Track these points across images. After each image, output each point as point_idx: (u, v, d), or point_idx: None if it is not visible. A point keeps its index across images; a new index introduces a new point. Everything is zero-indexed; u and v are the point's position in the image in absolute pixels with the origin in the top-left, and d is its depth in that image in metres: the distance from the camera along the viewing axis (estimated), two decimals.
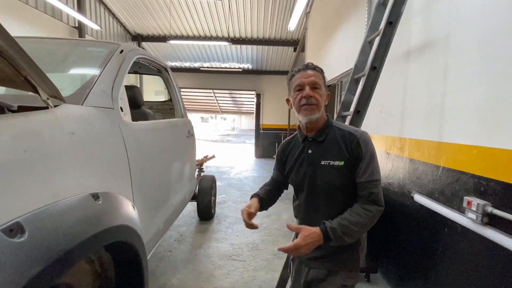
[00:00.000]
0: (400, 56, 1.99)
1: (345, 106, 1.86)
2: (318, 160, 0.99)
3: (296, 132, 1.10)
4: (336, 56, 3.61)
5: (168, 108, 2.59)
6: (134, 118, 1.47)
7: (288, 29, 5.14)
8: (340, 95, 3.91)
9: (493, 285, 1.12)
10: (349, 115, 1.68)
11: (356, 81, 1.83)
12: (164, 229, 1.58)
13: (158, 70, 2.07)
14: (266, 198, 1.21)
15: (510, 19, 1.13)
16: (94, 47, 1.31)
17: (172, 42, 6.20)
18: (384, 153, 2.23)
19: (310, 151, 1.01)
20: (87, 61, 1.23)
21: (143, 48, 7.50)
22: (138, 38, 6.75)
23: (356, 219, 0.89)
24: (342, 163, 0.95)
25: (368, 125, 2.38)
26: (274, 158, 8.01)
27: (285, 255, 2.02)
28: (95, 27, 5.23)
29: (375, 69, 1.57)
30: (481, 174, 1.19)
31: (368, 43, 1.79)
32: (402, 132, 1.89)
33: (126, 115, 1.14)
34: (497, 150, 1.13)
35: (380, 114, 2.27)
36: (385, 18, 1.58)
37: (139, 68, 2.27)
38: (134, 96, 1.81)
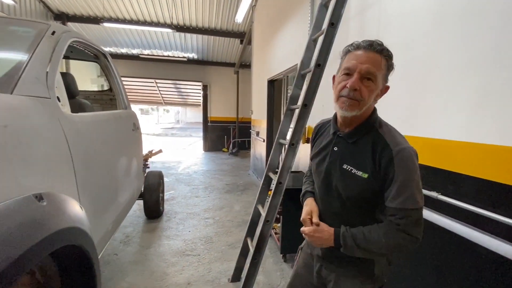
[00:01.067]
0: (340, 54, 2.21)
1: (293, 100, 1.99)
2: (341, 162, 0.84)
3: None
4: (282, 52, 3.77)
5: (108, 99, 2.33)
6: (71, 110, 1.30)
7: (236, 21, 5.12)
8: (286, 90, 4.13)
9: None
10: (297, 108, 1.81)
11: (303, 77, 1.97)
12: (113, 230, 1.46)
13: (96, 56, 1.85)
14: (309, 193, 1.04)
15: (423, 30, 1.38)
16: (17, 26, 1.09)
17: (106, 25, 5.51)
18: None
19: (336, 149, 0.87)
20: (10, 42, 1.02)
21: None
22: (63, 17, 5.78)
23: (376, 238, 0.77)
24: (365, 175, 0.78)
25: (313, 118, 2.60)
26: (223, 151, 7.97)
27: (240, 244, 2.09)
28: (8, 1, 4.30)
29: (320, 66, 1.72)
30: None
31: (312, 41, 1.94)
32: None
33: (65, 105, 1.01)
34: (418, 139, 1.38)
35: (323, 108, 2.50)
36: (327, 19, 1.73)
37: (71, 52, 1.98)
38: (67, 84, 1.59)
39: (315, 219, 0.89)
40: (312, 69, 1.74)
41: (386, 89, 0.82)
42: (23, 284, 0.78)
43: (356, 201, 0.82)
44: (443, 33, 1.27)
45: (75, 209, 0.81)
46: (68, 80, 1.59)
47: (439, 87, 1.29)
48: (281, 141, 1.98)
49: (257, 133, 5.35)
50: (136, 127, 2.04)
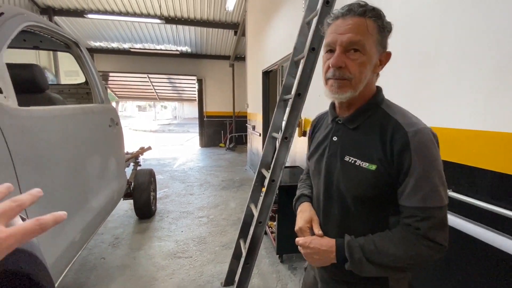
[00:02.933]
0: None
1: (287, 89, 1.82)
2: (342, 153, 0.68)
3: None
4: (276, 41, 3.59)
5: (85, 93, 2.16)
6: (32, 104, 1.14)
7: (226, 9, 4.90)
8: (281, 81, 3.95)
9: None
10: (291, 98, 1.65)
11: (296, 64, 1.80)
12: (84, 239, 1.31)
13: (67, 45, 1.67)
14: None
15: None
16: None
17: (91, 16, 5.27)
18: None
19: (335, 138, 0.71)
20: None
21: (57, 24, 6.24)
22: (49, 11, 5.54)
23: (390, 248, 0.60)
24: (373, 167, 0.62)
25: (309, 109, 2.44)
26: (220, 146, 7.85)
27: (233, 245, 1.96)
28: None
29: (314, 50, 1.55)
30: None
31: (306, 24, 1.77)
32: None
33: (9, 98, 0.84)
34: None
35: (319, 97, 2.34)
36: None
37: (41, 42, 1.80)
38: (33, 77, 1.42)
39: (317, 229, 0.71)
40: (305, 55, 1.57)
41: (387, 56, 0.66)
42: None
43: (363, 202, 0.65)
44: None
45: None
46: (33, 72, 1.42)
47: (447, 67, 1.13)
48: (274, 134, 1.82)
49: (253, 127, 5.19)
50: (114, 123, 1.87)
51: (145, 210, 2.96)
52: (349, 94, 0.64)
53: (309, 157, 0.82)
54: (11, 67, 0.98)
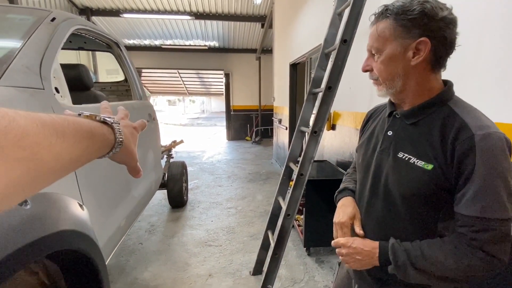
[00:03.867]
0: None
1: (316, 82, 1.80)
2: (396, 149, 0.65)
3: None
4: (305, 32, 3.51)
5: (124, 90, 2.31)
6: (81, 101, 1.26)
7: (254, 3, 4.88)
8: (309, 73, 3.87)
9: None
10: (321, 91, 1.63)
11: (327, 56, 1.76)
12: (127, 225, 1.44)
13: (108, 45, 1.81)
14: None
15: None
16: (16, 14, 1.04)
17: (126, 16, 5.57)
18: (353, 130, 2.26)
19: (390, 133, 0.68)
20: (6, 30, 0.98)
21: (94, 24, 6.69)
22: (87, 12, 5.96)
23: (439, 256, 0.57)
24: (430, 166, 0.58)
25: (340, 102, 2.38)
26: (246, 140, 7.92)
27: (261, 236, 2.01)
28: None
29: (346, 42, 1.50)
30: None
31: (337, 15, 1.71)
32: (370, 108, 1.90)
33: (65, 97, 0.95)
34: None
35: (350, 90, 2.27)
36: None
37: (85, 43, 1.96)
38: (80, 76, 1.56)
39: (359, 228, 0.70)
40: (337, 47, 1.53)
41: (422, 43, 0.58)
42: (29, 283, 0.75)
43: (413, 202, 0.62)
44: None
45: (73, 209, 0.75)
46: (80, 72, 1.56)
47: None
48: (303, 128, 1.81)
49: (280, 121, 5.18)
50: (151, 118, 2.00)
51: (178, 200, 3.13)
52: (383, 91, 0.67)
53: (358, 149, 0.81)
54: (61, 67, 1.09)
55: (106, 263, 0.98)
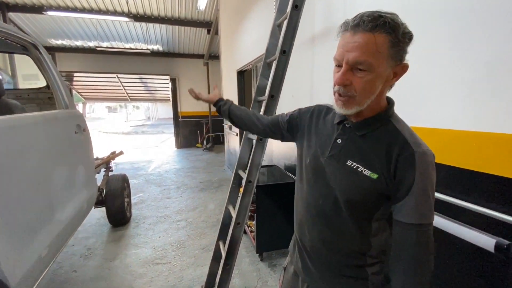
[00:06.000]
0: (307, 40, 2.10)
1: (260, 90, 1.84)
2: (345, 157, 0.69)
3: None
4: (250, 40, 3.60)
5: (46, 98, 2.00)
6: None
7: (198, 9, 4.81)
8: (256, 80, 3.97)
9: None
10: (265, 99, 1.67)
11: (269, 65, 1.83)
12: (52, 254, 1.23)
13: (23, 47, 1.55)
14: (236, 107, 1.06)
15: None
16: None
17: (51, 13, 4.90)
18: None
19: (339, 141, 0.72)
20: None
21: (11, 21, 5.70)
22: (3, 7, 5.03)
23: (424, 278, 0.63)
24: (375, 176, 0.64)
25: (283, 109, 2.49)
26: (197, 147, 7.69)
27: (213, 247, 1.95)
28: None
29: (285, 53, 1.58)
30: None
31: (277, 27, 1.79)
32: None
33: None
34: None
35: (293, 98, 2.39)
36: (291, 1, 1.59)
37: None
38: None
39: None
40: (277, 57, 1.59)
41: (403, 68, 0.63)
42: None
43: (357, 205, 0.68)
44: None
45: None
46: None
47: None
48: (250, 136, 1.83)
49: (230, 127, 5.17)
50: (81, 129, 1.77)
51: (119, 217, 2.84)
52: (354, 110, 0.65)
53: (304, 149, 0.82)
54: None
55: None
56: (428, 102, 1.14)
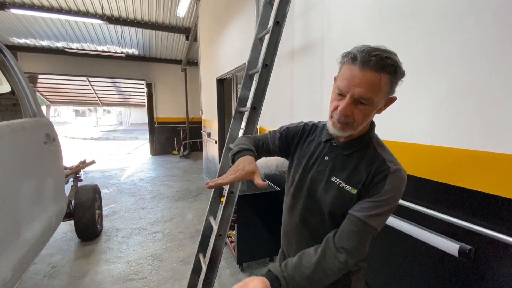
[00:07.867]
0: (287, 54, 2.16)
1: (242, 101, 1.86)
2: (331, 173, 0.76)
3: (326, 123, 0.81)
4: (230, 50, 3.62)
5: (11, 104, 1.84)
6: None
7: (177, 15, 4.76)
8: (236, 89, 3.99)
9: None
10: (247, 111, 1.69)
11: (251, 77, 1.86)
12: (17, 277, 1.12)
13: None
14: (256, 148, 0.89)
15: (366, 29, 1.38)
16: None
17: (15, 11, 4.56)
18: None
19: (327, 158, 0.79)
20: None
21: None
22: None
23: (307, 271, 0.68)
24: (354, 191, 0.71)
25: (264, 119, 2.52)
26: (173, 154, 7.44)
27: (193, 259, 1.89)
28: None
29: (267, 67, 1.62)
30: None
31: (258, 40, 1.83)
32: (292, 122, 2.08)
33: None
34: None
35: (273, 108, 2.44)
36: (273, 17, 1.64)
37: None
38: None
39: (260, 179, 0.71)
40: (259, 70, 1.63)
41: (391, 100, 0.71)
42: None
43: (335, 215, 0.75)
44: (381, 31, 1.28)
45: None
46: None
47: None
48: (231, 146, 1.83)
49: (209, 134, 5.12)
50: (50, 139, 1.65)
51: (89, 231, 2.66)
52: (349, 133, 0.72)
53: (292, 166, 0.88)
54: None
55: None
56: (399, 119, 1.23)
